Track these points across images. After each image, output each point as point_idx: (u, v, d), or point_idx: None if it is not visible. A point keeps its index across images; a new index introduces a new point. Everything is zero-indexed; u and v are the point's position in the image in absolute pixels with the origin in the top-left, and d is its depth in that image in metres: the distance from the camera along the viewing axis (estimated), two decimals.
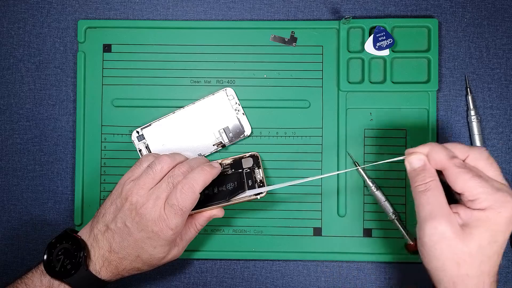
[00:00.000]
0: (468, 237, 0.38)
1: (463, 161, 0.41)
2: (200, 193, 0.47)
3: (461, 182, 0.38)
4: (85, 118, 0.56)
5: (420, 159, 0.42)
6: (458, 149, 0.41)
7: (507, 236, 0.39)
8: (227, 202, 0.50)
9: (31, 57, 0.58)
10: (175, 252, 0.48)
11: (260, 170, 0.52)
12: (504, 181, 0.40)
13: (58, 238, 0.46)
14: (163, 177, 0.46)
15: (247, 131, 0.55)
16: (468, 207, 0.39)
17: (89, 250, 0.45)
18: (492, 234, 0.38)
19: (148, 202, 0.45)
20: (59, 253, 0.45)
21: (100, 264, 0.45)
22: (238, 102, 0.55)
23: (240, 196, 0.50)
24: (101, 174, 0.56)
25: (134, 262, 0.46)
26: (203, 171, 0.46)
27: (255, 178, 0.52)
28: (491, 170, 0.40)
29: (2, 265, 0.56)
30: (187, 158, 0.50)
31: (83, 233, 0.47)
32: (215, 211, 0.50)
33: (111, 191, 0.48)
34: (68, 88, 0.57)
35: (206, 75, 0.56)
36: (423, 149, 0.42)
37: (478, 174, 0.39)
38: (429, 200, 0.39)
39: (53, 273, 0.44)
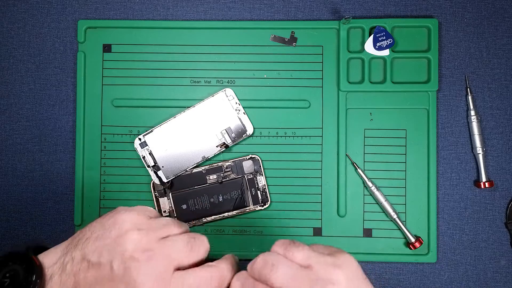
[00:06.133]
0: None
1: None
2: (206, 201, 0.51)
3: None
4: (85, 118, 0.56)
5: None
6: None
7: None
8: (231, 212, 0.54)
9: (31, 57, 0.58)
10: None
11: (262, 177, 0.54)
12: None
13: (12, 256, 0.35)
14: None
15: (249, 130, 0.55)
16: None
17: (45, 281, 0.34)
18: None
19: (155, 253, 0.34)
20: (6, 275, 0.34)
21: None
22: (238, 102, 0.55)
23: (245, 209, 0.55)
24: (101, 174, 0.56)
25: None
26: None
27: (258, 185, 0.54)
28: (273, 275, 0.33)
29: None
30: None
31: (51, 255, 0.36)
32: None
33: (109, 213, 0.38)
34: (68, 88, 0.57)
35: (206, 75, 0.56)
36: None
37: None
38: None
39: None
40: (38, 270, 0.34)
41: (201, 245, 0.36)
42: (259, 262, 0.35)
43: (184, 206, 0.55)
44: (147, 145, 0.55)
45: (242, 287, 0.35)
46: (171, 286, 0.33)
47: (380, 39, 0.55)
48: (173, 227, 0.36)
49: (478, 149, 0.55)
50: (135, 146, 0.55)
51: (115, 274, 0.33)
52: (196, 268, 0.35)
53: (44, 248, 0.37)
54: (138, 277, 0.33)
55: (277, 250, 0.35)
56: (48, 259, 0.35)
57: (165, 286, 0.33)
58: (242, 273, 0.36)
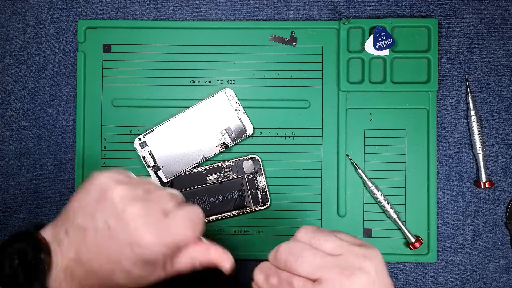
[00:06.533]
0: None
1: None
2: (206, 201, 0.51)
3: None
4: (85, 118, 0.56)
5: None
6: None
7: None
8: (231, 212, 0.55)
9: (31, 57, 0.58)
10: (158, 275, 0.36)
11: (262, 177, 0.54)
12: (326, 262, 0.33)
13: (18, 236, 0.34)
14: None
15: (249, 130, 0.55)
16: None
17: (52, 257, 0.34)
18: None
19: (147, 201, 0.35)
20: (15, 257, 0.33)
21: (60, 278, 0.33)
22: (238, 102, 0.55)
23: (245, 209, 0.55)
24: None
25: (105, 279, 0.34)
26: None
27: (258, 185, 0.54)
28: (300, 265, 0.33)
29: None
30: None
31: (48, 231, 0.35)
32: (223, 259, 0.38)
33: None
34: (68, 88, 0.57)
35: (206, 75, 0.56)
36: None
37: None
38: None
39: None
40: (45, 247, 0.34)
41: (179, 195, 0.37)
42: (283, 252, 0.34)
43: None
44: (147, 145, 0.55)
45: (266, 278, 0.34)
46: (168, 222, 0.34)
47: (380, 39, 0.55)
48: (152, 183, 0.37)
49: (478, 149, 0.55)
50: (135, 146, 0.55)
51: (114, 231, 0.33)
52: (182, 205, 0.36)
53: (43, 226, 0.37)
54: (138, 226, 0.33)
55: (302, 238, 0.35)
56: (47, 236, 0.35)
57: (162, 224, 0.34)
58: (264, 263, 0.36)
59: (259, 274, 0.35)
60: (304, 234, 0.35)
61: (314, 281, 0.32)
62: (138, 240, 0.33)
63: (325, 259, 0.33)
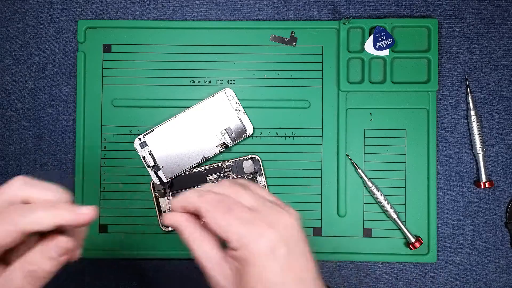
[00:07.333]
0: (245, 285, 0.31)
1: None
2: None
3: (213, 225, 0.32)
4: (85, 118, 0.56)
5: (172, 216, 0.34)
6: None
7: (276, 268, 0.31)
8: None
9: (31, 57, 0.58)
10: None
11: (262, 177, 0.54)
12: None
13: None
14: None
15: (249, 130, 0.55)
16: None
17: None
18: (259, 271, 0.31)
19: None
20: None
21: None
22: (238, 102, 0.55)
23: None
24: (101, 174, 0.56)
25: None
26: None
27: None
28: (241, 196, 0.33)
29: None
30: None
31: None
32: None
33: None
34: (68, 88, 0.57)
35: (206, 75, 0.56)
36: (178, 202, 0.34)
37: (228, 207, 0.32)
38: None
39: None
40: None
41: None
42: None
43: None
44: (147, 145, 0.55)
45: (200, 195, 0.33)
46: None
47: (380, 39, 0.55)
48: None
49: (478, 149, 0.55)
50: (135, 146, 0.55)
51: None
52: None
53: None
54: None
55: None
56: None
57: None
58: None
59: (192, 193, 0.33)
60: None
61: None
62: None
63: (260, 198, 0.33)
